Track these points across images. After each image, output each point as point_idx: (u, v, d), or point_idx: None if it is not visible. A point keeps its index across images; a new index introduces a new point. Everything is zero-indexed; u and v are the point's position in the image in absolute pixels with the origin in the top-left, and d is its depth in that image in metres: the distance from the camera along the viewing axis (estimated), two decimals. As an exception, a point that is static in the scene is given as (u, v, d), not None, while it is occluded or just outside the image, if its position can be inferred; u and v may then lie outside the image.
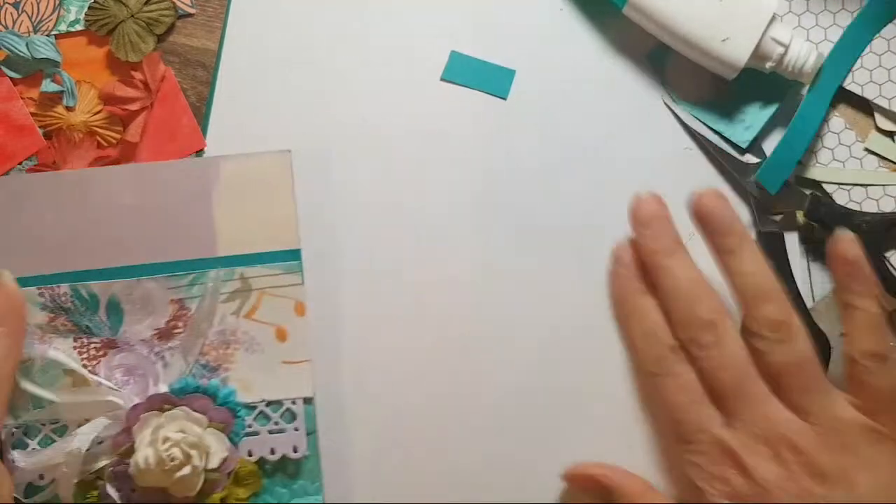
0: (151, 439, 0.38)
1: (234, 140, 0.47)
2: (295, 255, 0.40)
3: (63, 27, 0.47)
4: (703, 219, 0.42)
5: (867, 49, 0.46)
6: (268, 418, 0.40)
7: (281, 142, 0.47)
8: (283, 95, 0.47)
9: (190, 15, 0.47)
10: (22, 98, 0.47)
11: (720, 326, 0.40)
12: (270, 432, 0.40)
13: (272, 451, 0.40)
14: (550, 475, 0.44)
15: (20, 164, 0.46)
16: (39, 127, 0.47)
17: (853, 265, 0.41)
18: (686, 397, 0.40)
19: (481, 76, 0.47)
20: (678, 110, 0.47)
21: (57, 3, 0.47)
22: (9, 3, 0.47)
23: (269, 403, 0.40)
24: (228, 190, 0.40)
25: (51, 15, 0.47)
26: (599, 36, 0.48)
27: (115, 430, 0.39)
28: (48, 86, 0.46)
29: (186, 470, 0.37)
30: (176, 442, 0.37)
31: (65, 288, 0.39)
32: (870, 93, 0.46)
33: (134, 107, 0.47)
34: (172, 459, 0.37)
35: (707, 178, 0.47)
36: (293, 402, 0.40)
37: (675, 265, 0.42)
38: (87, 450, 0.38)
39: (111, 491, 0.38)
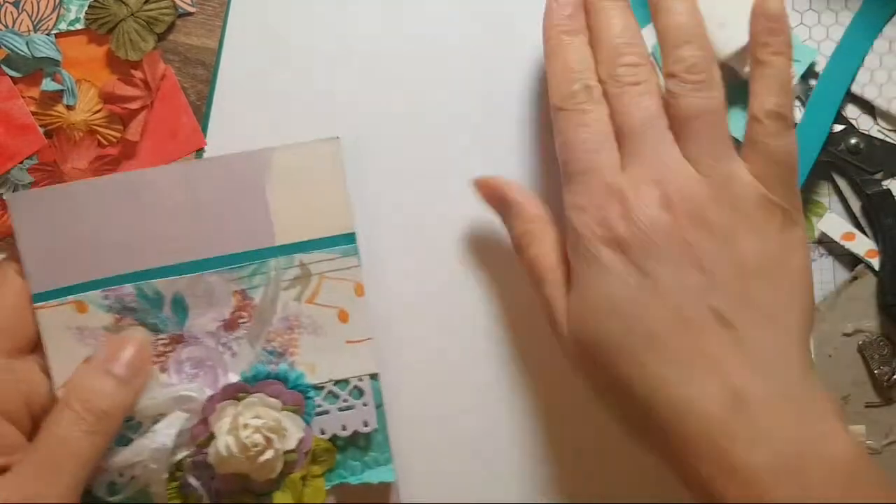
0: (231, 427, 0.39)
1: (234, 139, 0.47)
2: (350, 238, 0.41)
3: (63, 26, 0.47)
4: None
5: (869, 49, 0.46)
6: (336, 397, 0.41)
7: (281, 141, 0.47)
8: (284, 94, 0.47)
9: (190, 13, 0.47)
10: (22, 97, 0.47)
11: (643, 70, 0.39)
12: (340, 409, 0.41)
13: (343, 428, 0.41)
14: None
15: (21, 163, 0.46)
16: (40, 126, 0.47)
17: (774, 20, 0.40)
18: (586, 134, 0.39)
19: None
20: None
21: (57, 1, 0.47)
22: (9, 2, 0.47)
23: (336, 382, 0.41)
24: (281, 179, 0.40)
25: (51, 14, 0.47)
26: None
27: (191, 423, 0.40)
28: (48, 85, 0.46)
29: (269, 454, 0.38)
30: (256, 428, 0.38)
31: (129, 288, 0.40)
32: (870, 93, 0.46)
33: (134, 105, 0.47)
34: (255, 445, 0.38)
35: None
36: (359, 380, 0.41)
37: (612, 8, 0.40)
38: (174, 446, 0.39)
39: (192, 481, 0.39)
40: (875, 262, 0.46)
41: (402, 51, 0.47)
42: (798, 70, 0.46)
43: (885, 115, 0.46)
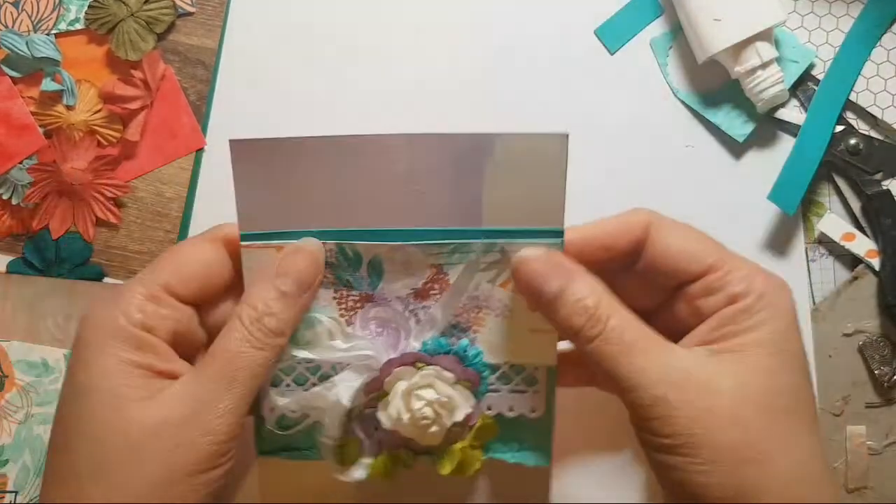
0: (404, 394, 0.40)
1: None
2: (559, 233, 0.40)
3: (63, 26, 0.47)
4: None
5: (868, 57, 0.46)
6: (510, 380, 0.41)
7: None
8: (283, 93, 0.47)
9: (190, 13, 0.47)
10: (22, 97, 0.47)
11: None
12: (511, 392, 0.41)
13: (511, 409, 0.41)
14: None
15: (20, 162, 0.46)
16: (40, 126, 0.46)
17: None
18: None
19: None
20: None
21: (57, 2, 0.47)
22: (9, 2, 0.47)
23: (512, 366, 0.41)
24: (501, 164, 0.40)
25: (51, 14, 0.47)
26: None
27: (367, 378, 0.40)
28: (48, 85, 0.46)
29: (436, 427, 0.39)
30: (429, 402, 0.39)
31: (331, 245, 0.40)
32: (865, 101, 0.46)
33: (134, 105, 0.47)
34: (424, 418, 0.39)
35: (707, 175, 0.47)
36: (536, 369, 0.41)
37: None
38: (351, 403, 0.40)
39: (357, 430, 0.41)
40: (875, 263, 0.46)
41: (404, 47, 0.47)
42: (796, 71, 0.46)
43: (880, 124, 0.46)
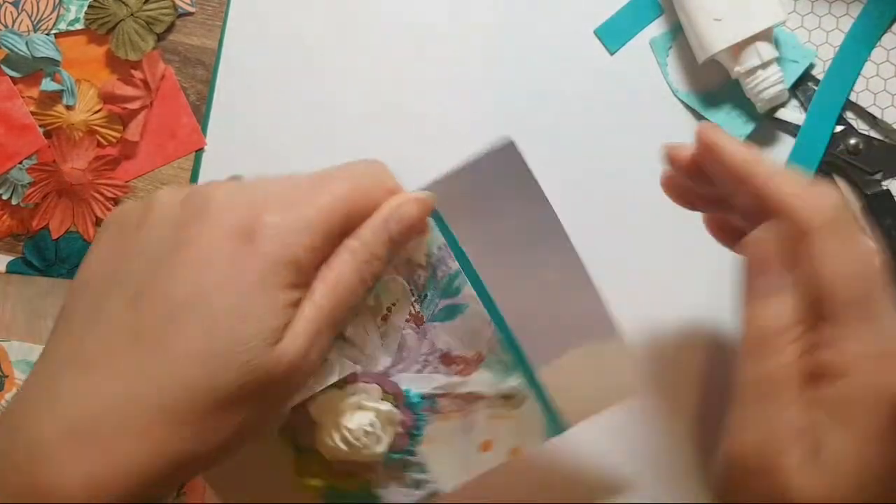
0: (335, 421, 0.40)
1: (234, 139, 0.47)
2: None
3: (63, 26, 0.47)
4: None
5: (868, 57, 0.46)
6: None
7: (281, 140, 0.47)
8: (284, 93, 0.47)
9: (190, 13, 0.47)
10: (22, 97, 0.47)
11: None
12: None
13: None
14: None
15: (20, 162, 0.46)
16: (39, 126, 0.47)
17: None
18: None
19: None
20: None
21: (57, 1, 0.47)
22: (9, 2, 0.47)
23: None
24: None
25: (50, 14, 0.47)
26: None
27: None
28: (48, 84, 0.46)
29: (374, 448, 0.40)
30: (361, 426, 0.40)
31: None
32: (864, 101, 0.46)
33: (134, 105, 0.47)
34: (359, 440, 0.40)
35: (708, 178, 0.47)
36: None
37: None
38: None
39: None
40: (875, 263, 0.46)
41: (404, 49, 0.47)
42: (796, 71, 0.46)
43: (880, 123, 0.46)
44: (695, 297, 0.45)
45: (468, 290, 0.40)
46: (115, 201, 0.47)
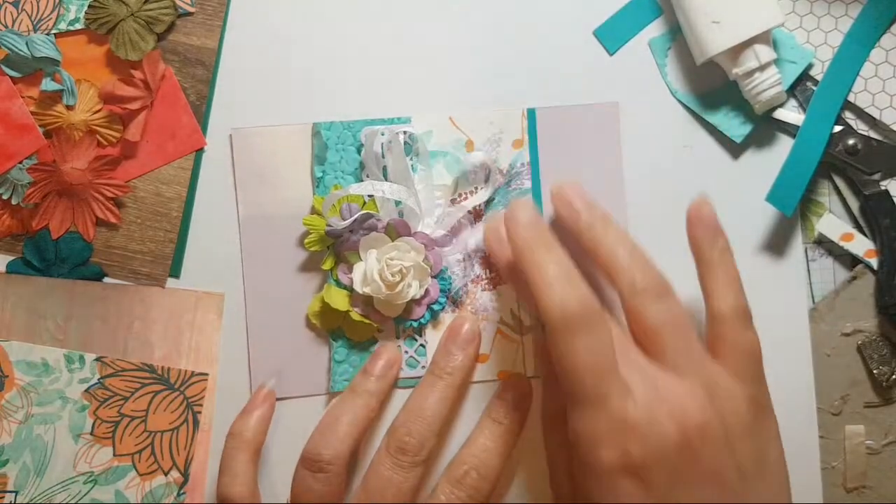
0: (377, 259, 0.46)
1: (230, 141, 0.47)
2: None
3: (63, 26, 0.47)
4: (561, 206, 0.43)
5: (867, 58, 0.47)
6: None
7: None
8: (284, 93, 0.47)
9: (190, 13, 0.47)
10: (22, 97, 0.46)
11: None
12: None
13: None
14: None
15: (20, 162, 0.46)
16: (39, 126, 0.46)
17: (712, 225, 0.42)
18: (595, 359, 0.38)
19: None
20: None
21: (57, 1, 0.47)
22: (8, 2, 0.47)
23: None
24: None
25: (50, 13, 0.47)
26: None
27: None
28: (48, 84, 0.46)
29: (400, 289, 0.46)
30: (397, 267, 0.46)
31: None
32: (863, 101, 0.46)
33: (134, 106, 0.47)
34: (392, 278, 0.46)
35: (705, 176, 0.47)
36: None
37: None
38: None
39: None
40: (874, 263, 0.46)
41: (404, 49, 0.48)
42: (794, 72, 0.46)
43: (878, 124, 0.47)
44: (696, 295, 0.44)
45: None
46: (115, 201, 0.47)
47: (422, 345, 0.47)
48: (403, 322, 0.46)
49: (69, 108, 0.46)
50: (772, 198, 0.45)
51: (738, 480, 0.38)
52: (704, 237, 0.42)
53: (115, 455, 0.47)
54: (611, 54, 0.48)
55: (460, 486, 0.43)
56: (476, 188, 0.47)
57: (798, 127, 0.46)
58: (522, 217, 0.40)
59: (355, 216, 0.45)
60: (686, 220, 0.42)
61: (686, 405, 0.38)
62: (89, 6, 0.46)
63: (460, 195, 0.47)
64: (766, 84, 0.45)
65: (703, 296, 0.42)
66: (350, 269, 0.46)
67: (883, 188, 0.46)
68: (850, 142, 0.46)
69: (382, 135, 0.46)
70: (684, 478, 0.37)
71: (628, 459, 0.37)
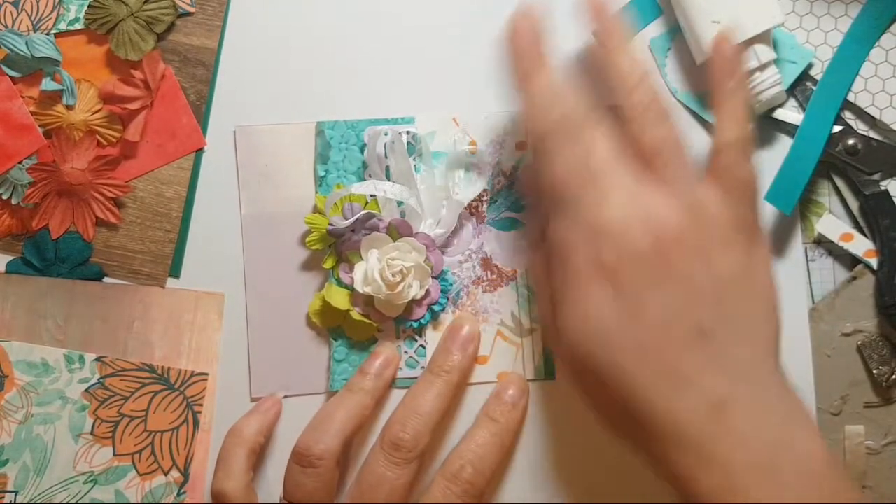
0: (378, 258, 0.46)
1: (234, 138, 0.47)
2: None
3: (63, 26, 0.47)
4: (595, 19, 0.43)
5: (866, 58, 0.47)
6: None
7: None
8: (284, 94, 0.47)
9: (190, 13, 0.47)
10: (22, 97, 0.46)
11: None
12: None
13: None
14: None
15: (20, 162, 0.46)
16: (39, 125, 0.46)
17: (731, 61, 0.42)
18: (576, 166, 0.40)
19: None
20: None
21: (56, 1, 0.47)
22: (8, 2, 0.47)
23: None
24: None
25: (50, 13, 0.47)
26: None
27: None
28: (48, 84, 0.46)
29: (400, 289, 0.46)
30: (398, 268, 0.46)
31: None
32: (863, 101, 0.46)
33: (134, 106, 0.46)
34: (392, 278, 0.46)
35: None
36: None
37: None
38: None
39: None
40: (874, 263, 0.46)
41: (403, 48, 0.48)
42: (794, 72, 0.46)
43: (878, 124, 0.47)
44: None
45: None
46: (115, 201, 0.47)
47: (422, 345, 0.47)
48: (404, 322, 0.46)
49: (69, 108, 0.46)
50: (771, 197, 0.45)
51: (713, 293, 0.38)
52: (721, 71, 0.42)
53: (115, 455, 0.47)
54: (611, 54, 0.48)
55: (455, 482, 0.43)
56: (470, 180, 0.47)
57: (798, 127, 0.46)
58: (522, 27, 0.42)
59: (357, 215, 0.45)
60: (709, 60, 0.43)
61: (664, 216, 0.38)
62: (89, 6, 0.46)
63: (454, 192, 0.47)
64: (767, 84, 0.45)
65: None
66: (351, 269, 0.46)
67: (883, 188, 0.46)
68: (850, 142, 0.46)
69: (386, 135, 0.46)
70: (655, 282, 0.38)
71: (599, 263, 0.38)
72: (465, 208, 0.47)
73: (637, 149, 0.40)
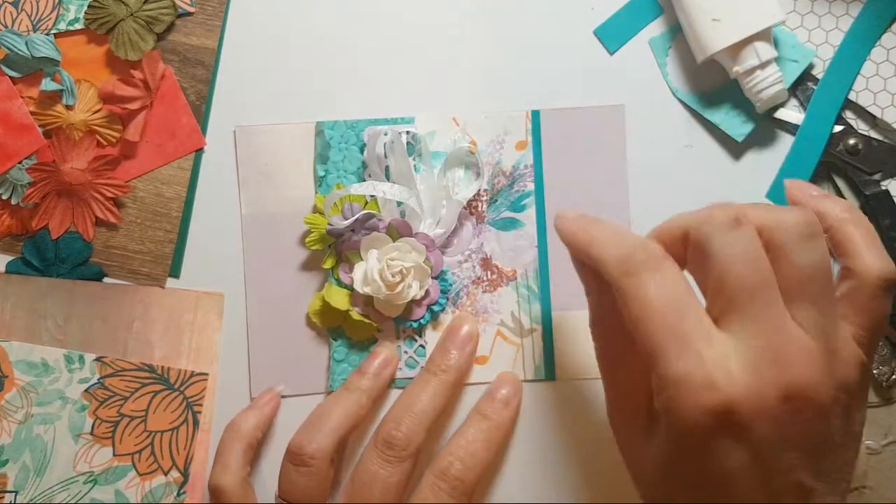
0: (378, 258, 0.46)
1: (233, 138, 0.47)
2: None
3: (62, 26, 0.47)
4: None
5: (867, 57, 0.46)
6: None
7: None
8: (284, 93, 0.47)
9: (190, 13, 0.47)
10: (22, 97, 0.46)
11: (743, 222, 0.34)
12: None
13: None
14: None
15: (20, 162, 0.46)
16: (39, 126, 0.46)
17: (819, 194, 0.39)
18: (669, 297, 0.34)
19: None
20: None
21: (56, 1, 0.47)
22: (8, 2, 0.47)
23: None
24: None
25: (50, 13, 0.47)
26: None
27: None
28: (48, 84, 0.46)
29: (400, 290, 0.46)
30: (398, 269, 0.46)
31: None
32: (864, 100, 0.46)
33: (134, 106, 0.46)
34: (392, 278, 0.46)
35: (706, 175, 0.47)
36: None
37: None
38: None
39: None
40: (874, 263, 0.46)
41: (404, 47, 0.47)
42: (796, 71, 0.46)
43: (879, 123, 0.46)
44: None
45: (531, 213, 0.47)
46: (115, 201, 0.47)
47: (421, 345, 0.47)
48: (403, 322, 0.46)
49: (69, 108, 0.46)
50: (772, 196, 0.45)
51: (823, 449, 0.34)
52: (823, 202, 0.38)
53: (115, 455, 0.47)
54: (611, 54, 0.48)
55: (444, 478, 0.43)
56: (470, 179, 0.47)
57: (799, 126, 0.46)
58: (570, 213, 0.38)
59: (357, 216, 0.45)
60: (789, 199, 0.39)
61: (797, 364, 0.33)
62: (89, 6, 0.46)
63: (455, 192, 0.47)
64: (768, 82, 0.45)
65: (846, 261, 0.37)
66: (351, 269, 0.46)
67: (883, 188, 0.46)
68: (851, 142, 0.46)
69: (385, 135, 0.46)
70: (769, 437, 0.33)
71: (727, 410, 0.32)
72: (465, 208, 0.47)
73: (780, 268, 0.34)
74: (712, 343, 0.33)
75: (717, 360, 0.33)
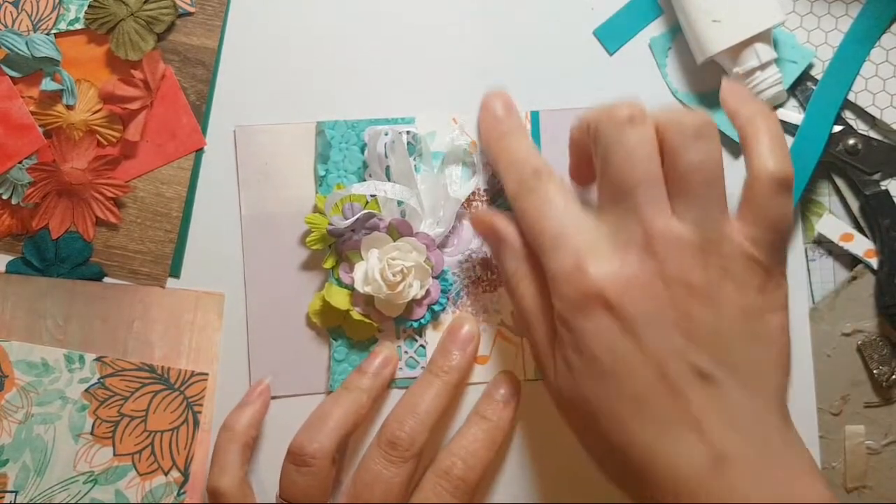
0: (378, 258, 0.46)
1: (233, 138, 0.47)
2: None
3: (63, 26, 0.47)
4: None
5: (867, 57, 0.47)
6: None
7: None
8: (284, 93, 0.47)
9: (190, 13, 0.47)
10: (22, 97, 0.46)
11: (638, 121, 0.38)
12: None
13: None
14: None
15: (20, 162, 0.46)
16: (39, 125, 0.46)
17: (744, 92, 0.40)
18: (558, 204, 0.39)
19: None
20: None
21: (56, 1, 0.47)
22: (8, 2, 0.47)
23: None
24: None
25: (50, 13, 0.47)
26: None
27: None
28: (48, 84, 0.46)
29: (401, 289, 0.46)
30: (398, 268, 0.46)
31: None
32: (863, 101, 0.46)
33: (134, 105, 0.46)
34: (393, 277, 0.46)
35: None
36: None
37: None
38: None
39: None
40: (874, 263, 0.46)
41: (404, 47, 0.48)
42: (795, 71, 0.46)
43: (879, 123, 0.47)
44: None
45: None
46: (115, 201, 0.47)
47: (422, 345, 0.47)
48: (404, 322, 0.46)
49: (69, 107, 0.46)
50: None
51: (716, 335, 0.36)
52: (740, 100, 0.39)
53: (115, 455, 0.47)
54: (611, 54, 0.48)
55: (446, 478, 0.43)
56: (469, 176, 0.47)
57: (798, 126, 0.46)
58: (495, 105, 0.45)
59: (357, 215, 0.45)
60: (720, 99, 0.40)
61: (673, 250, 0.36)
62: (89, 6, 0.46)
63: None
64: (767, 83, 0.45)
65: (746, 161, 0.38)
66: (351, 269, 0.46)
67: (883, 188, 0.46)
68: (851, 142, 0.46)
69: (386, 135, 0.46)
70: (652, 322, 0.36)
71: (596, 294, 0.36)
72: (465, 208, 0.47)
73: (667, 166, 0.37)
74: (584, 232, 0.38)
75: (589, 248, 0.37)
